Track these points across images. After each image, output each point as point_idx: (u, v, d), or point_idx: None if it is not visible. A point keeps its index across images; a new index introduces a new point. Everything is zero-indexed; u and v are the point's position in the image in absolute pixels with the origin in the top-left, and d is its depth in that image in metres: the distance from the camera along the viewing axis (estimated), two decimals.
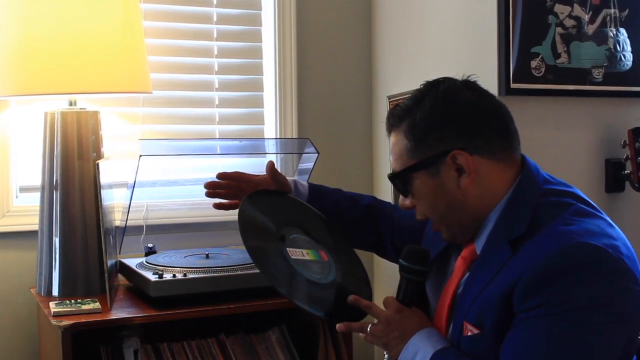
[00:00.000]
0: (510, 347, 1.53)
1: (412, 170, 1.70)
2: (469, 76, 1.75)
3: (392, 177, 1.74)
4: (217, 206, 2.26)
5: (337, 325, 1.82)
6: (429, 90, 1.71)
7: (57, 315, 2.16)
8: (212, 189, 2.23)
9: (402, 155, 1.71)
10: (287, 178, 2.21)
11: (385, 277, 3.00)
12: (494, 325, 1.58)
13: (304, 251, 2.02)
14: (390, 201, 2.70)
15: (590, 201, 1.69)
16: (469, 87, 1.71)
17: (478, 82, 1.74)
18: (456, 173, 1.66)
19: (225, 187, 2.23)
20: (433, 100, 1.68)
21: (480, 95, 1.71)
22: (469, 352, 1.63)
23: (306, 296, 1.92)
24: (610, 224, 1.63)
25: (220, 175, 2.23)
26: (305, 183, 2.24)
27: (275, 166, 2.19)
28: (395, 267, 1.85)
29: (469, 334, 1.62)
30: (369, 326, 1.78)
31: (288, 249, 2.00)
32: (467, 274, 1.72)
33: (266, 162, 2.21)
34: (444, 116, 1.67)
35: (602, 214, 1.66)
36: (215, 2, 2.95)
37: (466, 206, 1.68)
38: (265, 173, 2.21)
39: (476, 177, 1.66)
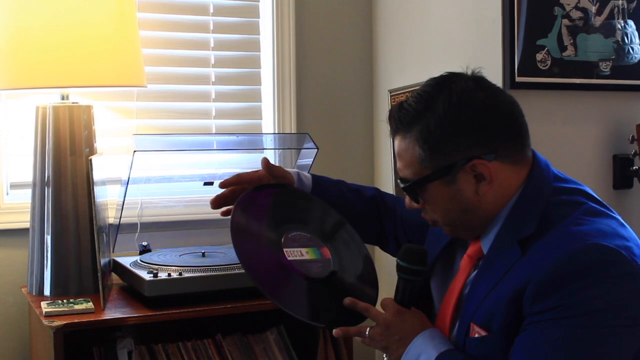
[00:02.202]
0: (520, 351, 1.52)
1: (427, 180, 1.66)
2: (474, 70, 1.71)
3: (406, 188, 1.70)
4: (224, 213, 2.18)
5: (334, 330, 1.79)
6: (440, 91, 1.64)
7: (48, 315, 2.16)
8: (219, 202, 2.15)
9: (414, 163, 1.67)
10: (289, 170, 2.17)
11: (386, 276, 3.00)
12: (502, 328, 1.56)
13: (303, 250, 1.97)
14: (399, 197, 2.69)
15: (601, 200, 1.68)
16: (480, 85, 1.66)
17: (485, 76, 1.71)
18: (474, 180, 1.63)
19: (230, 195, 2.16)
20: (447, 104, 1.62)
21: (493, 95, 1.66)
22: (475, 354, 1.61)
23: (302, 304, 1.88)
24: (622, 224, 1.62)
25: (223, 184, 2.12)
26: (308, 174, 2.20)
27: (271, 161, 2.15)
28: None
29: (476, 335, 1.61)
30: (367, 329, 1.76)
31: (285, 249, 1.94)
32: (474, 273, 1.70)
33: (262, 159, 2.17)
34: (461, 123, 1.62)
35: (613, 213, 1.65)
36: None
37: (479, 210, 1.66)
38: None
39: (495, 183, 1.64)
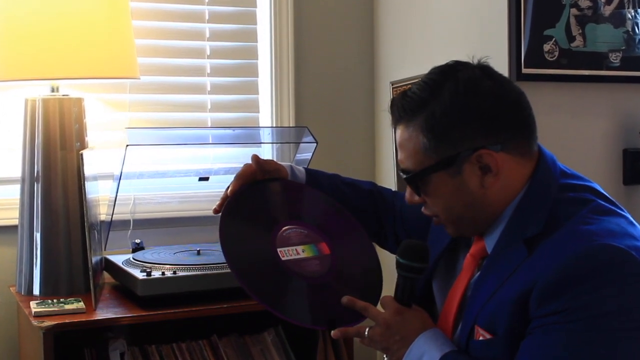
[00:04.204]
0: (526, 356, 1.52)
1: (431, 171, 1.65)
2: (480, 59, 1.70)
3: (409, 179, 1.70)
4: (217, 211, 2.15)
5: (332, 332, 1.78)
6: (446, 79, 1.65)
7: (38, 315, 2.16)
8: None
9: (418, 153, 1.66)
10: (282, 163, 2.16)
11: (387, 272, 2.99)
12: (507, 331, 1.56)
13: (299, 248, 1.95)
14: (398, 191, 2.69)
15: (610, 197, 1.67)
16: (488, 74, 1.66)
17: (491, 65, 1.71)
18: (480, 172, 1.63)
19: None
20: (454, 92, 1.62)
21: (501, 84, 1.66)
22: (479, 357, 1.61)
23: (302, 308, 1.87)
24: (632, 222, 1.61)
25: (217, 211, 2.04)
26: (301, 168, 2.19)
27: (268, 156, 2.14)
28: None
29: (481, 338, 1.61)
30: (367, 330, 1.75)
31: (278, 249, 1.93)
32: (477, 274, 1.70)
33: (260, 153, 2.15)
34: (468, 111, 1.62)
35: (623, 211, 1.64)
36: None
37: (484, 205, 1.66)
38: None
39: (501, 175, 1.63)
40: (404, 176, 1.71)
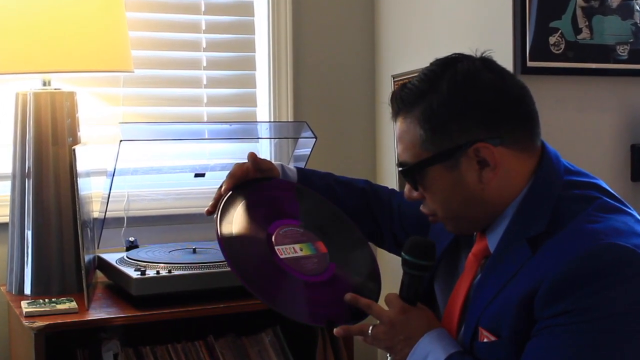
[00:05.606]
0: (531, 358, 1.51)
1: (427, 164, 1.66)
2: (483, 52, 1.71)
3: (405, 171, 1.70)
4: (210, 212, 2.15)
5: (335, 329, 1.78)
6: (445, 71, 1.65)
7: (29, 315, 2.16)
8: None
9: (415, 146, 1.66)
10: (273, 162, 2.16)
11: (389, 271, 2.99)
12: (512, 333, 1.56)
13: (297, 246, 1.97)
14: (396, 189, 2.69)
15: (616, 194, 1.67)
16: (489, 67, 1.67)
17: (494, 59, 1.71)
18: (478, 166, 1.63)
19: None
20: (452, 83, 1.63)
21: (502, 77, 1.66)
22: (484, 359, 1.61)
23: (301, 305, 1.88)
24: (639, 220, 1.61)
25: (210, 212, 2.06)
26: (293, 167, 2.20)
27: (259, 154, 2.14)
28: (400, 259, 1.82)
29: (485, 340, 1.61)
30: (370, 328, 1.75)
31: (276, 247, 1.94)
32: (480, 274, 1.70)
33: (258, 149, 2.16)
34: (466, 103, 1.62)
35: (629, 208, 1.64)
36: None
37: (483, 201, 1.65)
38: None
39: (500, 170, 1.63)
40: (400, 169, 1.71)
